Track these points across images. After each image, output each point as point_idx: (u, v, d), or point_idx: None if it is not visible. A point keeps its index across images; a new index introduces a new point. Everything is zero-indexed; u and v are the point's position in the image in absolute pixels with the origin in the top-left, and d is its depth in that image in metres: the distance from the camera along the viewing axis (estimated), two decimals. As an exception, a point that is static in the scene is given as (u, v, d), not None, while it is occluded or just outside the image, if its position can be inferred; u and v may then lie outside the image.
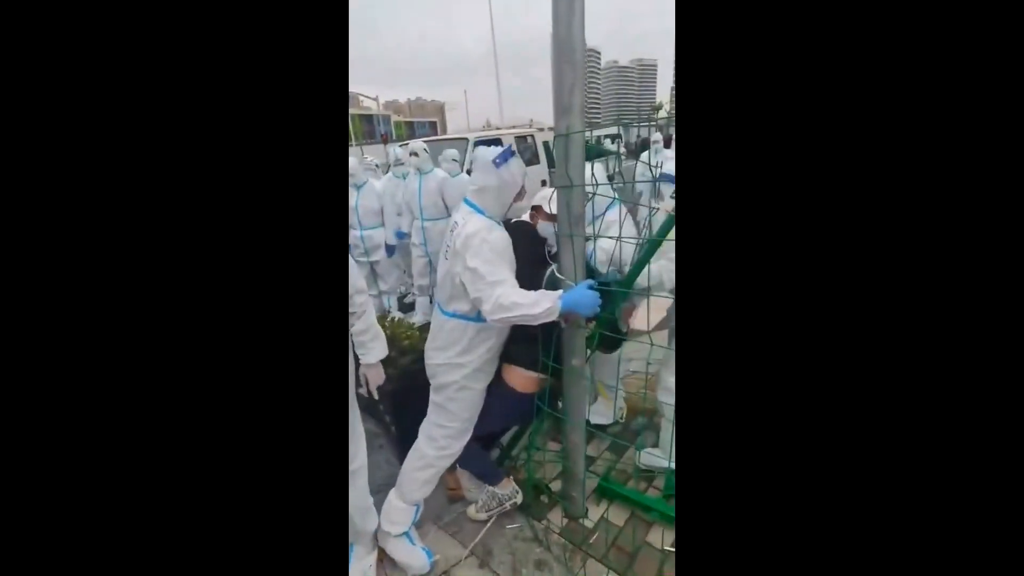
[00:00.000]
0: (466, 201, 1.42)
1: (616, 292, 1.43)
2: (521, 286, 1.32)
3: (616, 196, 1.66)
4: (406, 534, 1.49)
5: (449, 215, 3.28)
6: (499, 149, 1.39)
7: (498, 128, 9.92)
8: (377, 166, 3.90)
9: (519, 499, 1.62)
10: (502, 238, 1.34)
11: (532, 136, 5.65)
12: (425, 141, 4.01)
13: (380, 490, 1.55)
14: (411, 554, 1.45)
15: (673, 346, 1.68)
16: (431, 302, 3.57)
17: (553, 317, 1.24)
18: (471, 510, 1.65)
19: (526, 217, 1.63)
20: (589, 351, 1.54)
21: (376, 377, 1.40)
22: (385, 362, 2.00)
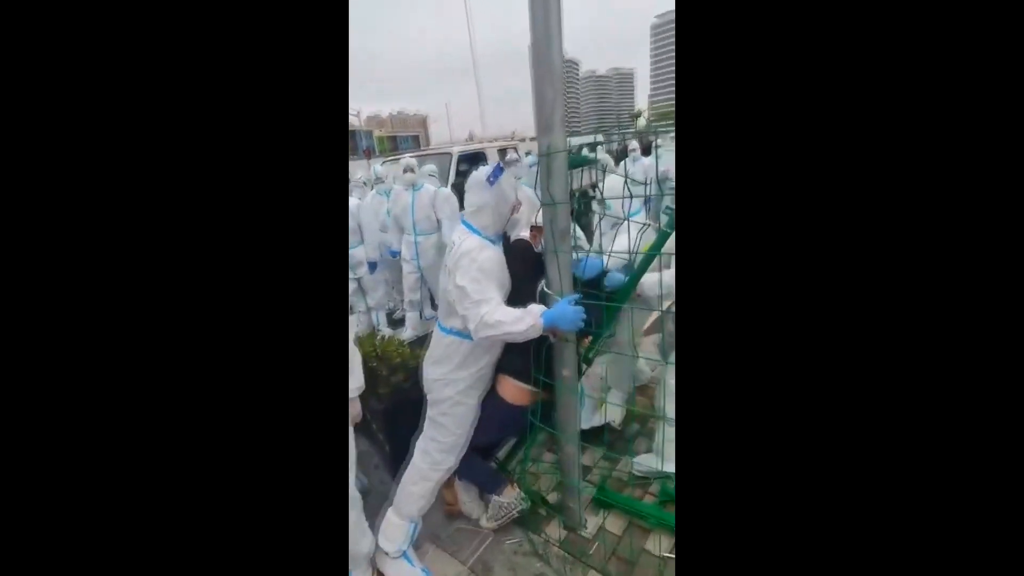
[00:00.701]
0: (463, 222, 1.45)
1: (604, 305, 1.46)
2: (520, 303, 1.34)
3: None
4: (404, 555, 1.47)
5: (440, 229, 3.30)
6: (490, 168, 1.42)
7: (481, 141, 9.99)
8: (365, 183, 3.90)
9: (526, 505, 1.62)
10: (491, 258, 1.37)
11: (515, 148, 5.72)
12: (411, 156, 4.03)
13: (378, 511, 1.53)
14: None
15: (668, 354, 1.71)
16: (421, 317, 3.57)
17: (536, 334, 1.28)
18: (483, 519, 1.65)
19: (526, 234, 1.66)
20: (586, 365, 1.56)
21: (352, 414, 1.34)
22: (378, 380, 1.99)
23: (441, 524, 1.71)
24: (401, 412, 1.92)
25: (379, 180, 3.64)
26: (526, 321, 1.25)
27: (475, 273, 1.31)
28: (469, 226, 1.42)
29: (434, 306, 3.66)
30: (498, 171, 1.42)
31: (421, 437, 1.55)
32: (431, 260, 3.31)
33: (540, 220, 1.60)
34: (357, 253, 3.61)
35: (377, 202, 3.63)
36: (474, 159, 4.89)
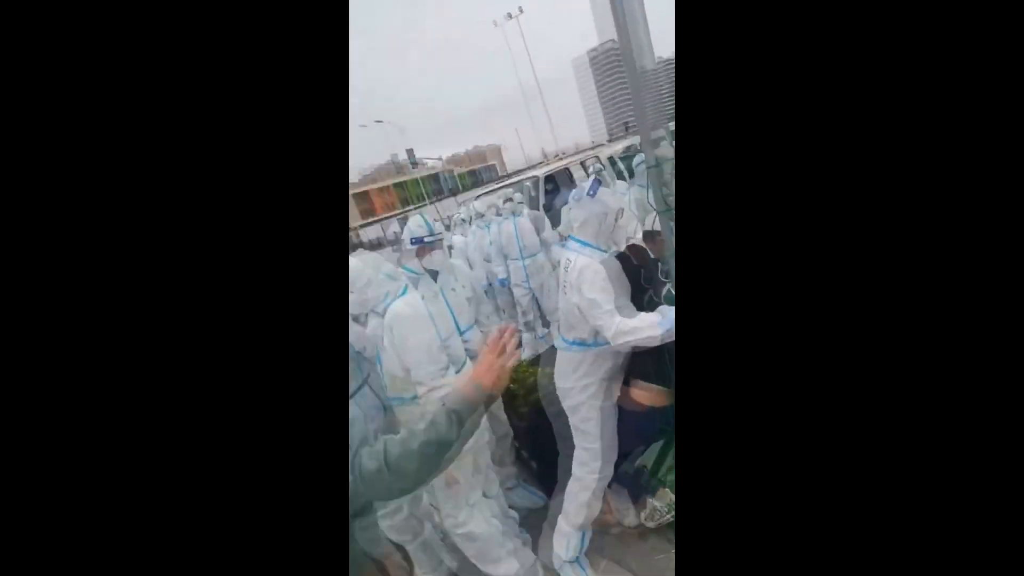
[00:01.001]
0: (572, 238, 1.54)
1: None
2: (640, 309, 1.39)
3: None
4: (578, 561, 1.55)
5: (542, 250, 3.45)
6: (588, 183, 1.52)
7: (558, 156, 10.13)
8: (464, 220, 4.24)
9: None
10: (613, 267, 1.44)
11: (597, 158, 5.74)
12: (502, 186, 4.27)
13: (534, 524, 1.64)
14: (585, 585, 1.51)
15: None
16: (536, 337, 3.71)
17: (673, 338, 1.29)
18: (641, 516, 1.69)
19: (638, 241, 1.71)
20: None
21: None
22: (516, 400, 2.13)
23: (604, 538, 1.75)
24: (541, 430, 2.03)
25: (480, 215, 3.93)
26: (664, 326, 1.28)
27: (601, 283, 1.37)
28: (580, 240, 1.50)
29: (544, 324, 3.79)
30: (596, 185, 1.50)
31: (575, 449, 1.63)
32: (542, 280, 3.46)
33: (656, 225, 1.62)
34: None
35: (480, 236, 3.91)
36: (560, 177, 5.01)
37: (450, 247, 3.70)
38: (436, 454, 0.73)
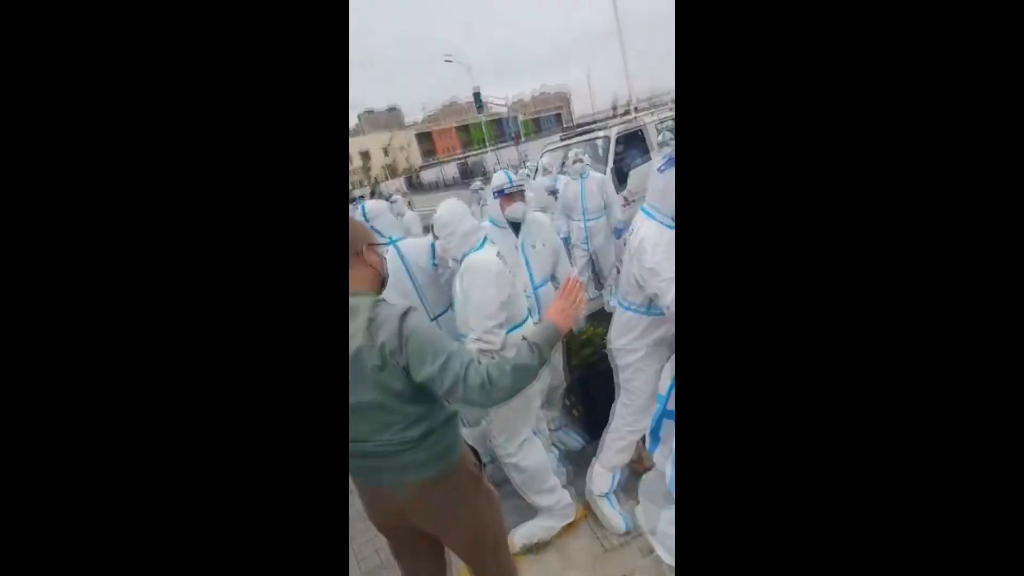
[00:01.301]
0: (642, 209, 1.61)
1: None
2: None
3: None
4: (608, 497, 1.76)
5: (605, 213, 3.47)
6: (665, 158, 1.56)
7: (628, 110, 9.59)
8: (528, 175, 4.28)
9: None
10: (673, 239, 1.49)
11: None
12: (569, 142, 4.20)
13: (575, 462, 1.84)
14: (612, 516, 1.73)
15: None
16: (588, 297, 3.82)
17: None
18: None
19: None
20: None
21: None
22: (570, 354, 2.31)
23: (631, 476, 1.93)
24: (590, 381, 2.20)
25: (546, 171, 3.95)
26: None
27: (663, 253, 1.43)
28: (647, 212, 1.56)
29: (597, 287, 3.88)
30: (671, 161, 1.52)
31: (616, 401, 1.79)
32: (600, 243, 3.51)
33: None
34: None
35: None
36: (633, 138, 4.84)
37: (555, 191, 3.64)
38: (523, 375, 0.97)
